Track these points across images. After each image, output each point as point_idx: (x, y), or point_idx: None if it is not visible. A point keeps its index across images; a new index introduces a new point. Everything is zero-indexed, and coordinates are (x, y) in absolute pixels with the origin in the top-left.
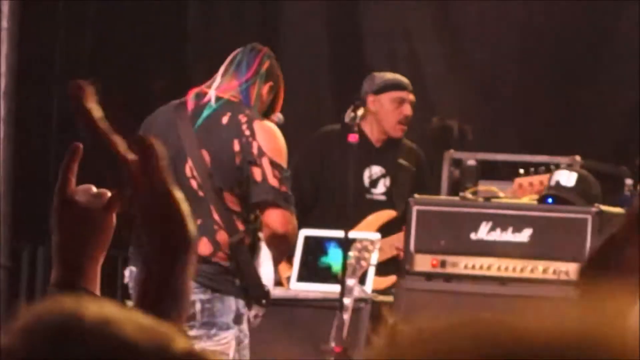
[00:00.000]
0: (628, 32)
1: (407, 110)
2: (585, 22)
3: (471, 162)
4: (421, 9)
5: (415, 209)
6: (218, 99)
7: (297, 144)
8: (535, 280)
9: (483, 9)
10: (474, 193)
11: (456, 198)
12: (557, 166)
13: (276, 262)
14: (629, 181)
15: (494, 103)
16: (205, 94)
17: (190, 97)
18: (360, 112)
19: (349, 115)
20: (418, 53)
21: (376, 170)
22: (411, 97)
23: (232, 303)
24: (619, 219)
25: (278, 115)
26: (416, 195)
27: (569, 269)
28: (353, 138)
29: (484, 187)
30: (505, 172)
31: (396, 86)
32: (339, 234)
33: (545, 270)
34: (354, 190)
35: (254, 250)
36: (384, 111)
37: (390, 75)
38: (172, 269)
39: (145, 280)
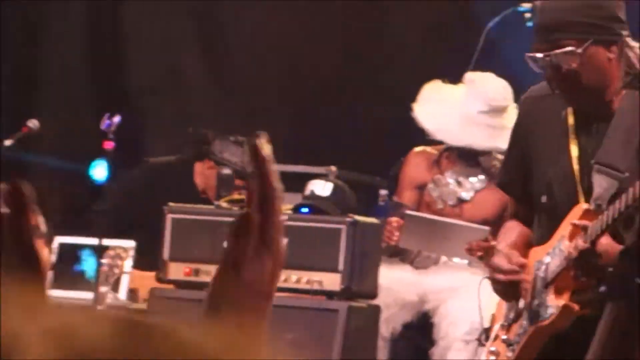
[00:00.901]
0: (384, 49)
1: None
2: (343, 38)
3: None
4: (183, 16)
5: (169, 217)
6: None
7: (53, 146)
8: (289, 290)
9: (247, 21)
10: (230, 202)
11: (211, 207)
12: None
13: None
14: (383, 192)
15: (253, 113)
16: None
17: None
18: (116, 119)
19: (104, 122)
20: (178, 60)
21: None
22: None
23: None
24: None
25: (33, 121)
26: (170, 204)
27: (323, 279)
28: (108, 145)
29: (239, 196)
30: None
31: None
32: (93, 241)
33: (298, 280)
34: None
35: None
36: (213, 181)
37: (237, 157)
38: None
39: None
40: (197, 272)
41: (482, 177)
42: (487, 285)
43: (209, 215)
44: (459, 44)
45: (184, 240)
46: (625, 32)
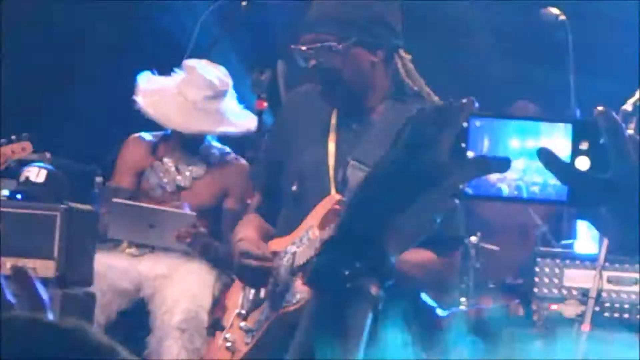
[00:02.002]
0: (100, 39)
1: None
2: (60, 26)
3: None
4: None
5: None
6: None
7: None
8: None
9: None
10: None
11: None
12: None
13: None
14: (98, 179)
15: None
16: None
17: None
18: None
19: None
20: None
21: None
22: None
23: None
24: None
25: None
26: None
27: (37, 266)
28: None
29: None
30: None
31: None
32: None
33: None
34: None
35: None
36: None
37: None
38: None
39: None
40: None
41: (201, 165)
42: (201, 273)
43: None
44: (175, 34)
45: None
46: (397, 41)
